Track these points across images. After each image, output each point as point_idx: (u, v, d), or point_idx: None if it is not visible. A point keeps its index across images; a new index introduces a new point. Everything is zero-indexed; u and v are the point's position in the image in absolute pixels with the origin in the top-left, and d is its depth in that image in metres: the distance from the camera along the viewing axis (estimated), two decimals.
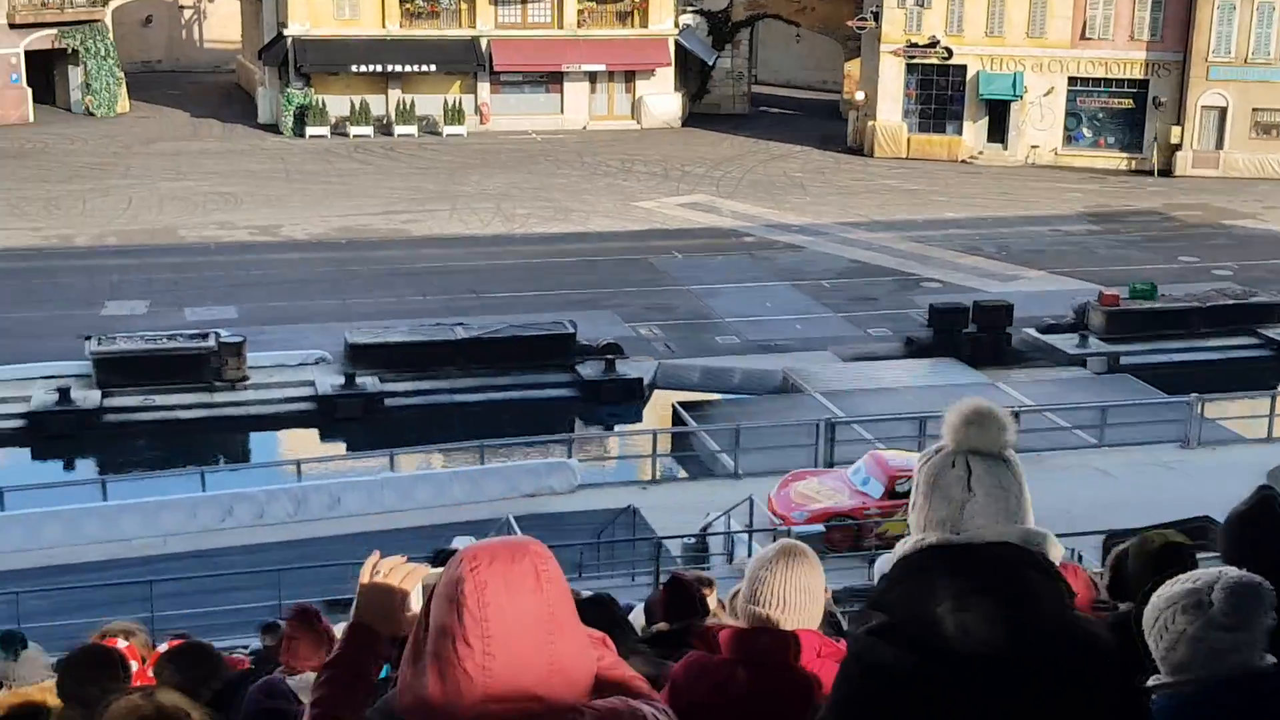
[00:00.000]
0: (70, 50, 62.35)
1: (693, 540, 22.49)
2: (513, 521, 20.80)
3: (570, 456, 27.24)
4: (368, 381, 31.33)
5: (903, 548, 3.28)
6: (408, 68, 60.53)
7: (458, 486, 25.66)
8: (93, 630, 9.15)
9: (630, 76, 64.36)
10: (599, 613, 8.36)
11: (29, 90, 61.63)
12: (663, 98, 64.67)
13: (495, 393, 31.71)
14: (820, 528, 22.02)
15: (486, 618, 2.63)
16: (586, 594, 10.69)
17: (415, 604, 2.93)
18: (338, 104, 60.60)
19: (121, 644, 7.53)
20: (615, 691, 2.85)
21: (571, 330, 33.04)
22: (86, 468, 29.02)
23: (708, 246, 44.49)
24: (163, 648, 7.40)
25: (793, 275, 41.54)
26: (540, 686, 2.65)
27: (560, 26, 62.57)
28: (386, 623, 3.01)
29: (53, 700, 6.66)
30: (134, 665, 4.69)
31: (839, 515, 22.92)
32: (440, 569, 2.78)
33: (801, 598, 4.47)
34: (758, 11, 67.65)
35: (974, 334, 34.29)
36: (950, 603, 3.09)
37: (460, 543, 21.33)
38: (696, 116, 65.89)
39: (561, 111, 63.72)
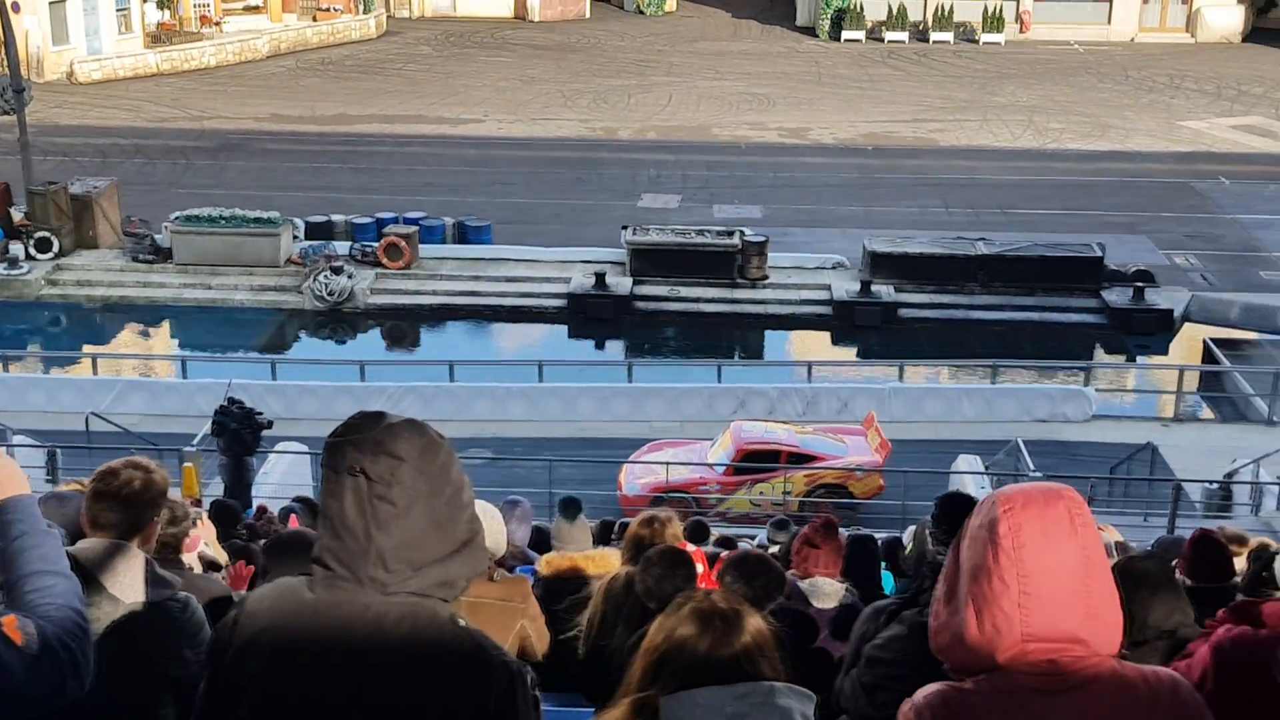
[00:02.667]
0: None
1: (1216, 486, 21.15)
2: (1021, 446, 20.29)
3: (1087, 384, 26.24)
4: (884, 290, 31.35)
5: None
6: None
7: (968, 404, 25.33)
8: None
9: None
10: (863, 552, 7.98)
11: None
12: (1223, 10, 59.95)
13: (1014, 313, 30.89)
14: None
15: (1022, 558, 2.63)
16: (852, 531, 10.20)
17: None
18: (875, 7, 60.32)
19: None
20: None
21: (1100, 254, 31.58)
22: (616, 349, 30.85)
23: (1261, 173, 41.15)
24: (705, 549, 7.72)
25: None
26: (1082, 629, 2.63)
27: None
28: None
29: (593, 569, 7.18)
30: (699, 568, 4.94)
31: (674, 490, 20.51)
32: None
33: None
34: None
35: None
36: None
37: (964, 461, 21.12)
38: (1259, 32, 60.64)
39: (1108, 21, 60.45)
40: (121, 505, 4.08)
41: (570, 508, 7.47)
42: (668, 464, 21.11)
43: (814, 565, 7.04)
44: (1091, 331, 30.70)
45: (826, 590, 6.82)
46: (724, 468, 20.82)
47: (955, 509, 4.82)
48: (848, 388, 26.19)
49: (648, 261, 32.06)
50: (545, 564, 7.44)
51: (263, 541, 6.30)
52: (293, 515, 10.28)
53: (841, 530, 7.57)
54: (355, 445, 2.84)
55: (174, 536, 5.56)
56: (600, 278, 31.60)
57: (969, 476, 20.61)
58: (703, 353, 30.25)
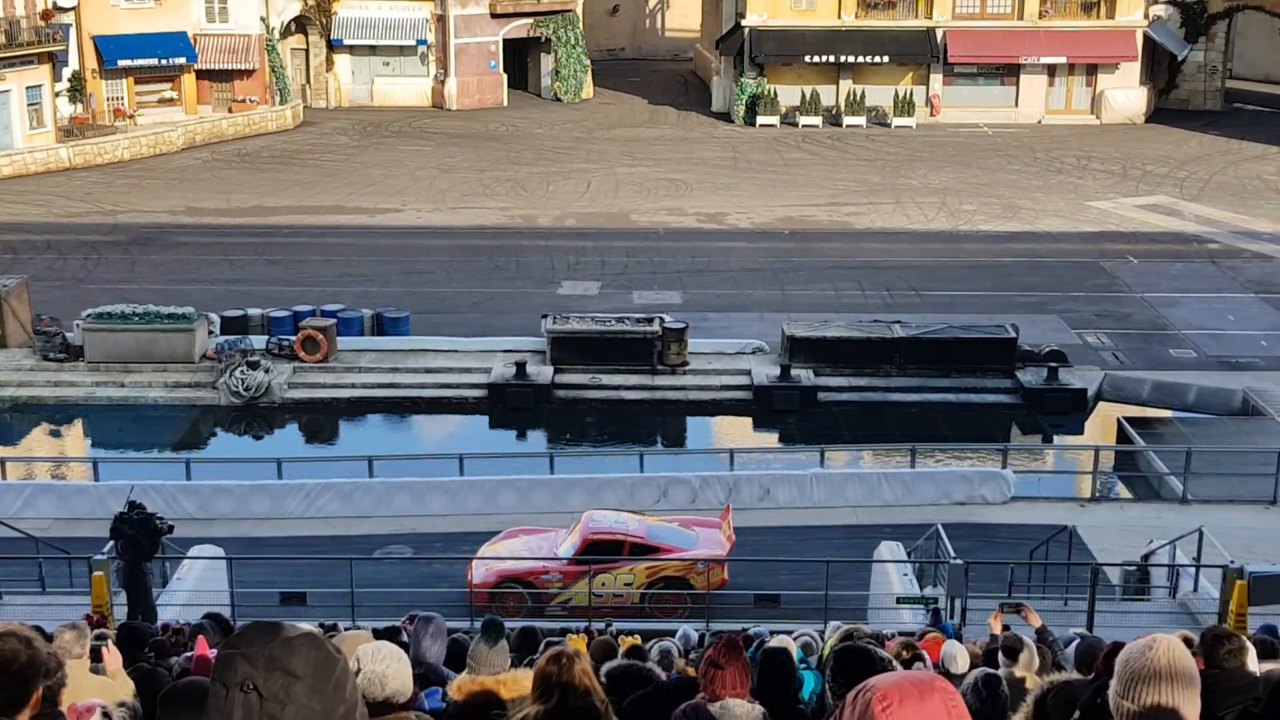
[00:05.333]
0: (544, 39, 66.08)
1: (1134, 569, 21.37)
2: (942, 531, 20.40)
3: (1005, 466, 26.50)
4: (803, 374, 31.57)
5: None
6: (861, 59, 60.50)
7: (888, 488, 25.47)
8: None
9: (1092, 70, 61.70)
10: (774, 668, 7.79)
11: (505, 76, 65.82)
12: (1126, 92, 61.64)
13: (931, 394, 31.24)
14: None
15: None
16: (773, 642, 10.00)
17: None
18: (789, 94, 61.34)
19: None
20: None
21: (1014, 334, 32.07)
22: (538, 439, 30.72)
23: (1167, 252, 42.11)
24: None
25: (1261, 287, 38.67)
26: None
27: (1020, 18, 60.73)
28: None
29: (506, 693, 7.02)
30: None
31: (518, 577, 20.58)
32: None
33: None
34: (1237, 2, 63.22)
35: None
36: None
37: (886, 548, 21.15)
38: (1162, 113, 62.45)
39: (1016, 105, 61.91)
40: (6, 680, 3.91)
41: (492, 631, 7.31)
42: (506, 557, 20.85)
43: (721, 687, 6.94)
44: (1007, 412, 31.08)
45: (737, 712, 6.71)
46: (567, 560, 20.60)
47: (852, 666, 4.78)
48: (769, 474, 26.24)
49: (568, 350, 32.08)
50: (456, 689, 7.26)
51: (160, 694, 6.09)
52: (201, 636, 10.03)
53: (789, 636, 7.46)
54: (248, 659, 2.71)
55: (50, 690, 5.36)
56: (520, 367, 31.54)
57: (891, 565, 20.66)
58: (625, 440, 30.22)
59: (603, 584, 20.36)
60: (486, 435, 30.60)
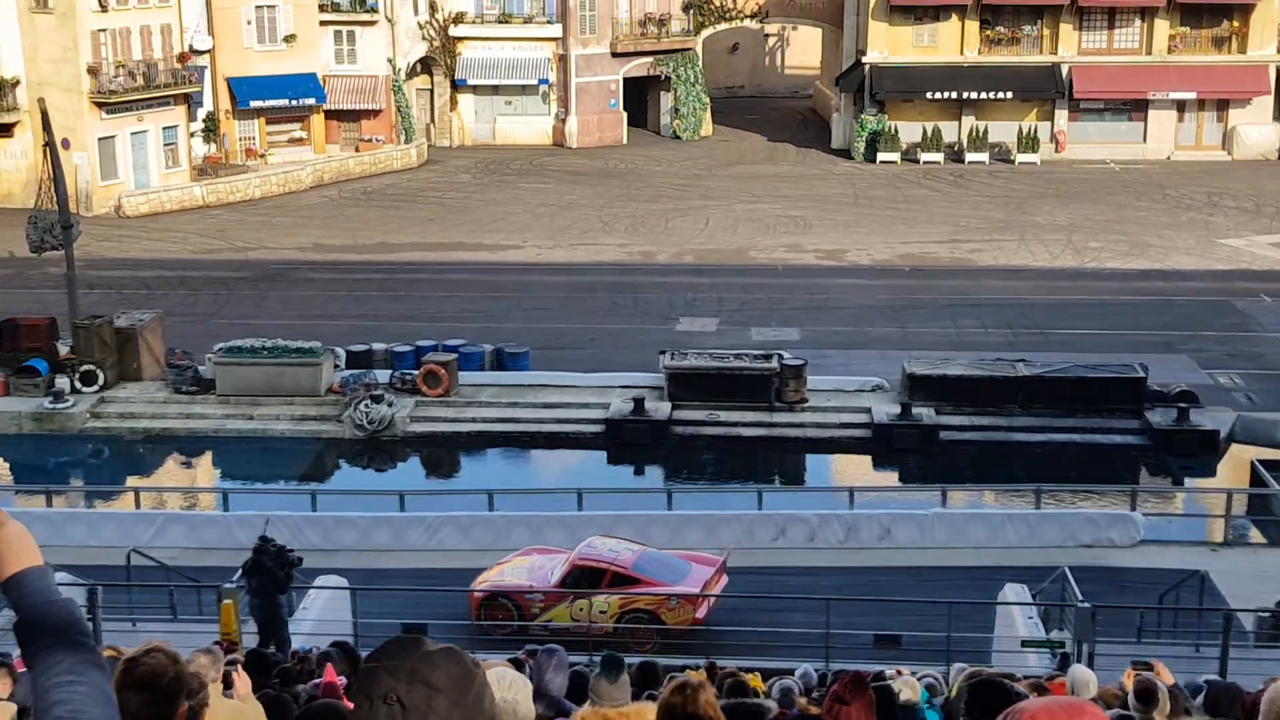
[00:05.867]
0: (663, 77, 66.53)
1: (1268, 615, 20.70)
2: (1068, 574, 19.96)
3: (1133, 508, 25.88)
4: (924, 413, 31.20)
5: None
6: (983, 95, 59.93)
7: (1012, 529, 25.01)
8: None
9: (1223, 105, 60.41)
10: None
11: (624, 114, 66.36)
12: (1259, 128, 60.22)
13: (1056, 434, 30.65)
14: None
15: None
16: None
17: None
18: (909, 130, 60.94)
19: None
20: None
21: (1142, 374, 31.36)
22: (655, 476, 30.74)
23: None
24: None
25: None
26: None
27: (1148, 53, 59.74)
28: None
29: None
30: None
31: (507, 595, 21.27)
32: None
33: None
34: None
35: None
36: None
37: (1011, 591, 20.76)
38: None
39: (1144, 140, 60.82)
40: (154, 695, 4.04)
41: (613, 668, 7.33)
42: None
43: None
44: (1135, 453, 30.38)
45: None
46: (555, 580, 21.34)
47: (987, 698, 4.69)
48: (889, 513, 25.93)
49: (685, 386, 32.08)
50: None
51: (297, 716, 6.19)
52: (329, 664, 10.17)
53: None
54: (390, 672, 2.77)
55: (194, 710, 5.50)
56: (638, 403, 31.62)
57: (1016, 608, 20.26)
58: (741, 477, 30.11)
59: (581, 609, 20.89)
60: (604, 470, 30.70)
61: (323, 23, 60.25)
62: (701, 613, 20.77)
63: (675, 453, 31.21)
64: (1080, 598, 18.82)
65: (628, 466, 31.14)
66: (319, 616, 19.81)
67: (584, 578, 21.15)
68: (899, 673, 11.92)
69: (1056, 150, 60.55)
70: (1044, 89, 60.03)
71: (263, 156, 58.50)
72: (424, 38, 63.64)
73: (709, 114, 68.02)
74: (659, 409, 31.77)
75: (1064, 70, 59.79)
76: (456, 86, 65.43)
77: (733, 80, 79.82)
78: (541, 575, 21.58)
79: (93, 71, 51.27)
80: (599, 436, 31.63)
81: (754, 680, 12.94)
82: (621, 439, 31.33)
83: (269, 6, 57.91)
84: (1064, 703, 2.69)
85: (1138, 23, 60.00)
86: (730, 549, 23.03)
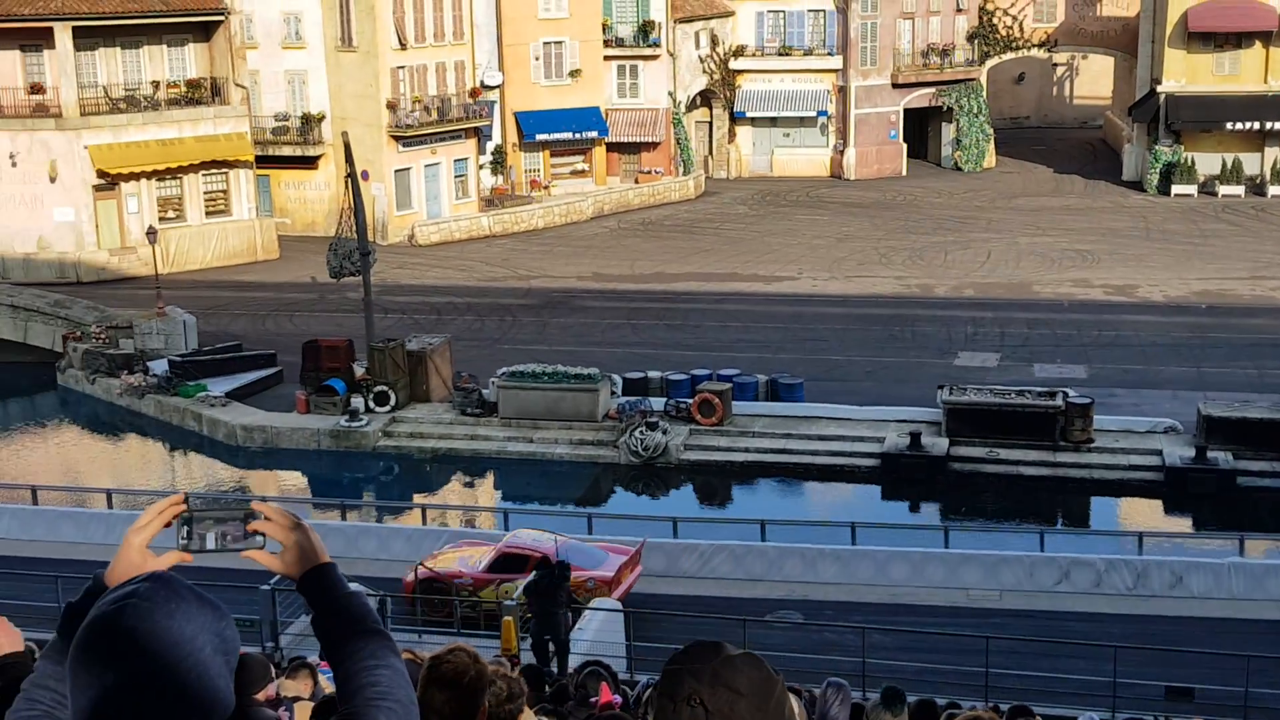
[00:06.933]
0: (945, 108, 65.45)
1: None
2: None
3: None
4: (1221, 457, 29.58)
5: None
6: None
7: None
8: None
9: None
10: None
11: (904, 145, 65.56)
12: None
13: None
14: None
15: None
16: None
17: None
18: (1207, 162, 58.17)
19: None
20: None
21: None
22: (931, 512, 30.07)
23: None
24: None
25: None
26: None
27: None
28: None
29: None
30: None
31: (438, 579, 22.93)
32: None
33: None
34: None
35: None
36: None
37: None
38: None
39: None
40: (457, 692, 4.21)
41: (894, 700, 7.17)
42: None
43: None
44: None
45: None
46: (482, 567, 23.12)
47: None
48: (1182, 560, 24.64)
49: (965, 422, 31.31)
50: None
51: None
52: (603, 683, 10.28)
53: None
54: (693, 675, 2.77)
55: (510, 713, 5.60)
56: (915, 437, 31.03)
57: None
58: (1022, 518, 29.18)
59: (506, 592, 21.89)
60: (879, 505, 30.22)
61: (607, 58, 61.64)
62: (617, 594, 22.29)
63: (952, 490, 30.48)
64: None
65: (903, 502, 30.59)
66: (594, 638, 20.10)
67: (511, 564, 22.85)
68: None
69: None
70: None
71: (546, 188, 60.18)
72: (704, 71, 64.40)
73: (992, 145, 66.55)
74: (936, 444, 31.10)
75: None
76: (735, 119, 65.91)
77: (1018, 110, 77.91)
78: (472, 563, 23.50)
79: (391, 107, 53.79)
80: (874, 471, 31.18)
81: None
82: (897, 474, 30.80)
83: (556, 42, 59.64)
84: None
85: None
86: (645, 540, 24.16)
